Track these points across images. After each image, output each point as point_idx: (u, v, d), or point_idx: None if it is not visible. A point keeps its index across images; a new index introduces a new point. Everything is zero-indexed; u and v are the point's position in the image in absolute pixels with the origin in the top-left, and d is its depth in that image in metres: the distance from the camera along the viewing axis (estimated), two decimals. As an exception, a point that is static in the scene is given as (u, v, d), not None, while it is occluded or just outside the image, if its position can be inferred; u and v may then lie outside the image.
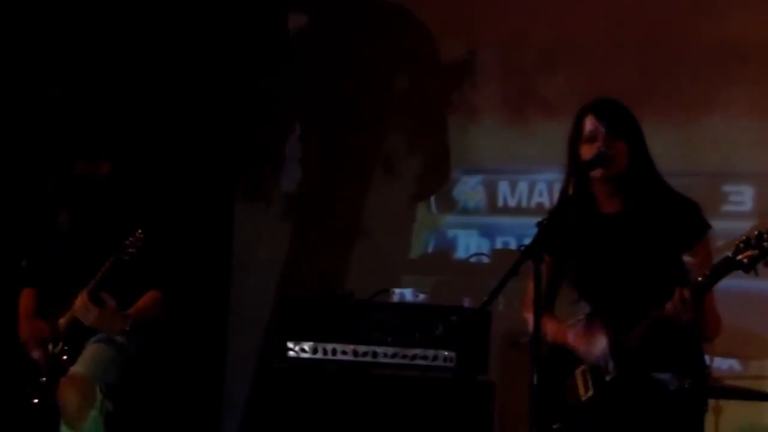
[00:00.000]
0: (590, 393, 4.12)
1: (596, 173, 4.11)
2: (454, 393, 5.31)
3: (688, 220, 4.09)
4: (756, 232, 3.73)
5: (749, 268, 3.74)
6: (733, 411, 5.61)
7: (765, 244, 3.71)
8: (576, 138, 4.16)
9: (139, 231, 4.58)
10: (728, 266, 3.79)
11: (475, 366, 5.39)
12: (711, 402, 5.43)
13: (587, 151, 4.11)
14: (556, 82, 6.35)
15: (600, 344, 4.10)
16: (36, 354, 4.95)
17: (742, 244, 3.75)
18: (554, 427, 4.10)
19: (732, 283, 3.93)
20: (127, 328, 4.79)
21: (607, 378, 4.07)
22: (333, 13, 7.00)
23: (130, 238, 4.58)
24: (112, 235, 4.72)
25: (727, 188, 6.07)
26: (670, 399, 4.03)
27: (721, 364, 5.86)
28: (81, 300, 4.75)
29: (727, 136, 6.06)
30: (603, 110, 4.15)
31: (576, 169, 4.09)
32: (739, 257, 3.74)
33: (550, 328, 4.20)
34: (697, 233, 4.07)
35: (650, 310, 3.98)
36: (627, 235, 4.11)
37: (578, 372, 4.18)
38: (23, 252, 5.19)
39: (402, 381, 5.44)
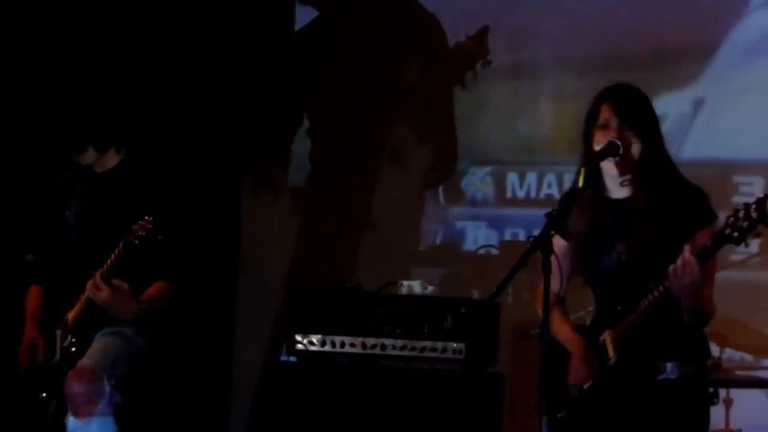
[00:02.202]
0: (591, 382, 4.11)
1: (607, 162, 4.09)
2: (464, 385, 5.29)
3: (695, 207, 4.06)
4: (743, 204, 3.72)
5: (739, 240, 3.74)
6: (745, 403, 5.59)
7: (753, 215, 3.69)
8: (590, 123, 4.14)
9: (148, 216, 4.56)
10: (719, 241, 3.79)
11: (485, 358, 5.36)
12: (722, 393, 5.42)
13: (600, 138, 4.10)
14: (566, 72, 6.33)
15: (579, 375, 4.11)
16: (23, 365, 4.94)
17: (731, 218, 3.74)
18: (559, 415, 4.09)
19: (745, 275, 3.90)
20: (142, 310, 4.76)
21: (608, 365, 4.06)
22: (340, 4, 6.98)
23: (140, 222, 4.57)
24: (119, 228, 4.70)
25: (738, 179, 6.04)
26: (672, 388, 4.02)
27: (733, 355, 5.83)
28: (95, 280, 4.72)
29: (739, 126, 6.03)
30: (619, 98, 4.13)
31: (586, 159, 4.06)
32: (728, 231, 3.74)
33: (563, 333, 4.19)
34: (702, 221, 4.04)
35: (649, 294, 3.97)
36: (632, 221, 4.09)
37: None
38: (30, 245, 5.17)
39: (411, 373, 5.42)
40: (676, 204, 4.06)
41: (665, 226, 4.04)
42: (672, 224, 4.03)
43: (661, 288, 3.92)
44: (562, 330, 4.22)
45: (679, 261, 3.86)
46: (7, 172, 5.92)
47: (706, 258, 3.85)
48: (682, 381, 4.02)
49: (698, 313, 4.00)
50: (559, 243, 4.04)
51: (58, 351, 4.92)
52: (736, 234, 3.72)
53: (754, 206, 3.70)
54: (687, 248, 3.87)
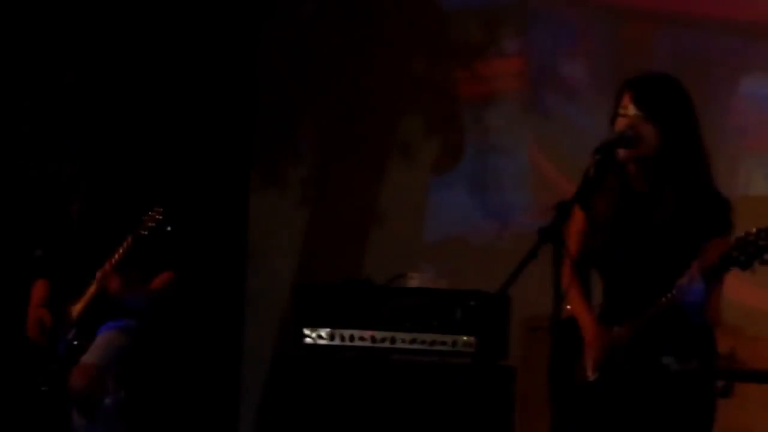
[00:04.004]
0: (597, 374, 4.09)
1: (622, 153, 4.04)
2: (474, 378, 5.27)
3: (713, 214, 4.02)
4: (754, 230, 3.70)
5: (746, 265, 3.72)
6: (760, 395, 5.56)
7: (762, 242, 3.68)
8: (615, 110, 4.09)
9: (157, 207, 4.55)
10: (726, 263, 3.77)
11: (495, 351, 5.35)
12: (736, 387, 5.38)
13: (618, 127, 4.06)
14: (577, 63, 6.29)
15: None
16: (36, 337, 4.91)
17: (740, 240, 3.73)
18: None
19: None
20: (152, 297, 4.75)
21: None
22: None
23: (149, 213, 4.56)
24: (124, 223, 4.69)
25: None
26: (674, 382, 3.99)
27: (748, 347, 5.79)
28: (105, 271, 4.71)
29: (746, 118, 6.00)
30: (640, 87, 4.07)
31: (598, 148, 4.01)
32: (735, 253, 3.72)
33: (579, 315, 4.16)
34: (719, 230, 4.00)
35: (656, 297, 3.94)
36: (647, 217, 4.06)
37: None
38: (37, 242, 5.16)
39: (420, 367, 5.40)
40: (695, 208, 4.01)
41: (681, 229, 4.00)
42: (688, 228, 4.00)
43: (669, 296, 3.90)
44: (578, 309, 4.18)
45: (686, 278, 3.84)
46: (13, 168, 5.91)
47: (713, 277, 3.83)
48: (686, 375, 3.99)
49: (701, 325, 3.98)
50: (579, 215, 4.05)
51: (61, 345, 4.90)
52: (743, 258, 3.71)
53: (764, 233, 3.68)
54: (695, 265, 3.85)
